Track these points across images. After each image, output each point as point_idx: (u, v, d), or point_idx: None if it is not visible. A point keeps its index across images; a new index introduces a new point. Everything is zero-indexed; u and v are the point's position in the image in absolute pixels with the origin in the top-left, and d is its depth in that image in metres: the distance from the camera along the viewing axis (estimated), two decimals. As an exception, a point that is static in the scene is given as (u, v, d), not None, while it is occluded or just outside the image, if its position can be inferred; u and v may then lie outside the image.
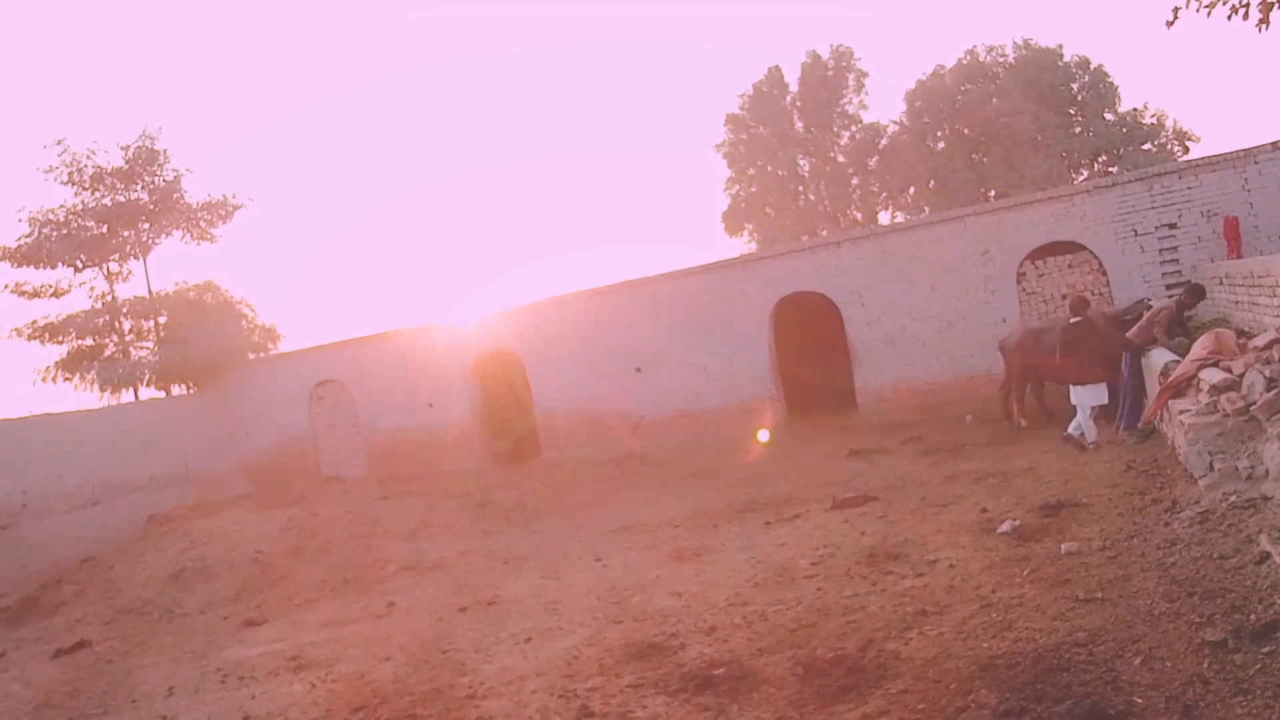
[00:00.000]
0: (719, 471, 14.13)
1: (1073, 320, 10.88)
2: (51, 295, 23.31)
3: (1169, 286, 13.95)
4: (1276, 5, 5.41)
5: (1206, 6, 5.49)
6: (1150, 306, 11.86)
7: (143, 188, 23.42)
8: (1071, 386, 10.76)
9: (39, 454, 17.84)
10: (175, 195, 23.67)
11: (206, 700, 7.52)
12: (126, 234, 23.37)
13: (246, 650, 8.90)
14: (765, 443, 15.74)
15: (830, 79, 31.34)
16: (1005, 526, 7.49)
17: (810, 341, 18.14)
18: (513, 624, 7.78)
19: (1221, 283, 11.45)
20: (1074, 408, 10.76)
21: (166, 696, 7.89)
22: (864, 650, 5.53)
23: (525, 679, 6.30)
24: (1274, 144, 13.53)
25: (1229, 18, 5.51)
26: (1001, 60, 29.47)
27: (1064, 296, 14.83)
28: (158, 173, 23.51)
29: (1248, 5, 5.46)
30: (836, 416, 16.51)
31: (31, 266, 22.49)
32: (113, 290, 23.76)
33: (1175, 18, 5.66)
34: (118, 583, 13.07)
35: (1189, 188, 14.04)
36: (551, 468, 17.51)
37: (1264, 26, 5.48)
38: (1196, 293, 10.96)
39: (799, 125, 31.94)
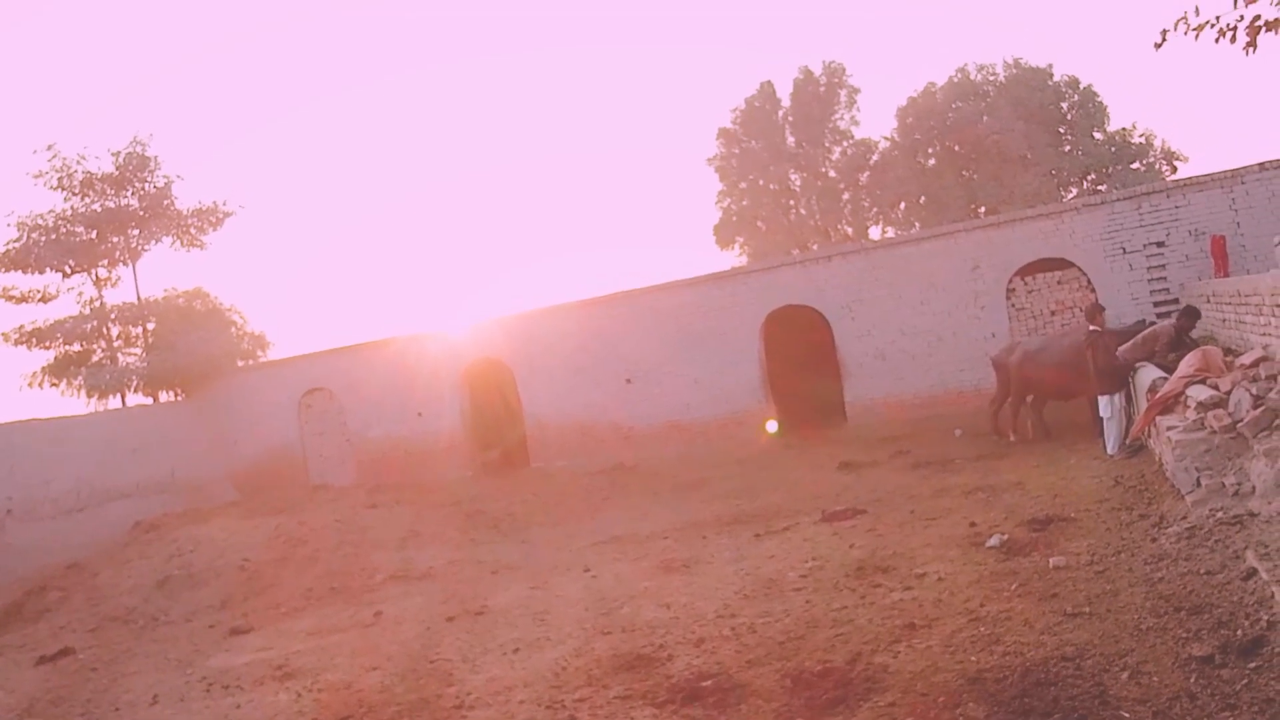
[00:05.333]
0: (709, 483, 14.13)
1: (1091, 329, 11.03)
2: (39, 300, 23.19)
3: (1157, 304, 14.06)
4: (1264, 29, 5.46)
5: (1194, 29, 5.53)
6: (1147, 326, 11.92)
7: (133, 194, 23.28)
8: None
9: (25, 459, 17.72)
10: (166, 201, 23.56)
11: (191, 709, 7.46)
12: (116, 240, 23.25)
13: (232, 659, 8.84)
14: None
15: (822, 95, 31.49)
16: (994, 540, 7.52)
17: (801, 355, 18.19)
18: (501, 634, 7.76)
19: (1209, 301, 11.55)
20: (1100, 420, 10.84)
21: (151, 705, 7.81)
22: (852, 663, 5.53)
23: (513, 689, 6.27)
24: (1261, 165, 13.67)
25: (1217, 40, 5.56)
26: (992, 79, 29.68)
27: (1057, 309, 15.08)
28: (148, 179, 23.37)
29: (1235, 28, 5.51)
30: (827, 429, 16.54)
31: (20, 271, 22.38)
32: (101, 296, 23.66)
33: (1164, 39, 5.70)
34: (103, 590, 12.96)
35: (1177, 207, 14.16)
36: (541, 477, 17.48)
37: (1251, 49, 5.54)
38: (1192, 314, 10.98)
39: (791, 140, 32.07)
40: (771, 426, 16.66)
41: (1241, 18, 5.47)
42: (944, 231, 16.23)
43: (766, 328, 17.37)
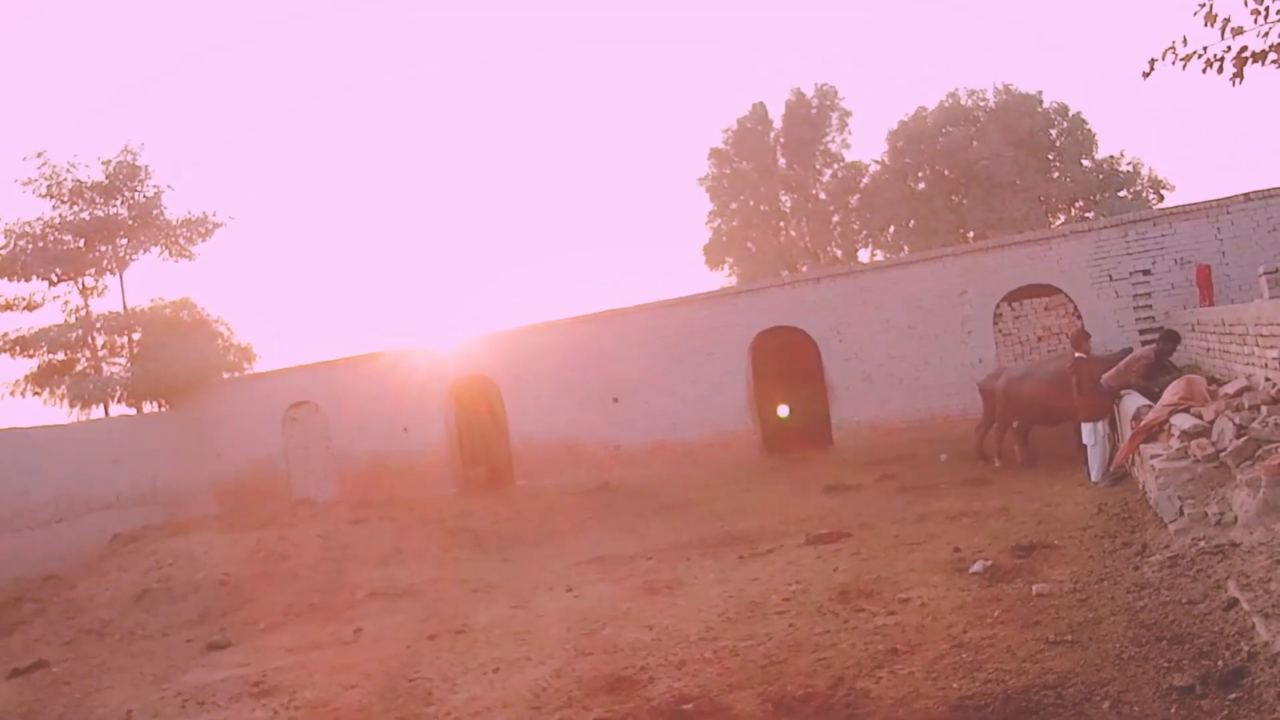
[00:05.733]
0: (694, 504, 14.08)
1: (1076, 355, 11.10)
2: (25, 308, 23.11)
3: (1142, 332, 14.13)
4: (1251, 60, 5.52)
5: (1182, 59, 5.59)
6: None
7: (122, 203, 23.24)
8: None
9: (4, 469, 17.55)
10: (155, 211, 23.51)
11: (165, 725, 7.37)
12: (104, 249, 23.18)
13: (209, 674, 8.73)
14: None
15: (814, 117, 31.73)
16: (977, 566, 7.50)
17: (788, 376, 18.21)
18: (481, 653, 7.69)
19: (1194, 330, 11.61)
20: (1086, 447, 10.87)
21: (124, 720, 7.72)
22: (834, 688, 5.49)
23: (492, 710, 6.21)
24: (1246, 195, 13.78)
25: (1204, 71, 5.61)
26: (982, 104, 29.97)
27: (1056, 333, 15.14)
28: (138, 188, 23.35)
29: (1222, 59, 5.57)
30: (813, 451, 16.53)
31: (5, 279, 22.26)
32: (87, 305, 23.55)
33: (1152, 69, 5.75)
34: (79, 602, 12.81)
35: (1163, 235, 14.26)
36: (526, 495, 17.40)
37: (1238, 80, 5.60)
38: (1172, 338, 11.05)
39: (782, 161, 32.26)
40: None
41: (1229, 49, 5.53)
42: (932, 255, 16.31)
43: (754, 349, 17.38)
